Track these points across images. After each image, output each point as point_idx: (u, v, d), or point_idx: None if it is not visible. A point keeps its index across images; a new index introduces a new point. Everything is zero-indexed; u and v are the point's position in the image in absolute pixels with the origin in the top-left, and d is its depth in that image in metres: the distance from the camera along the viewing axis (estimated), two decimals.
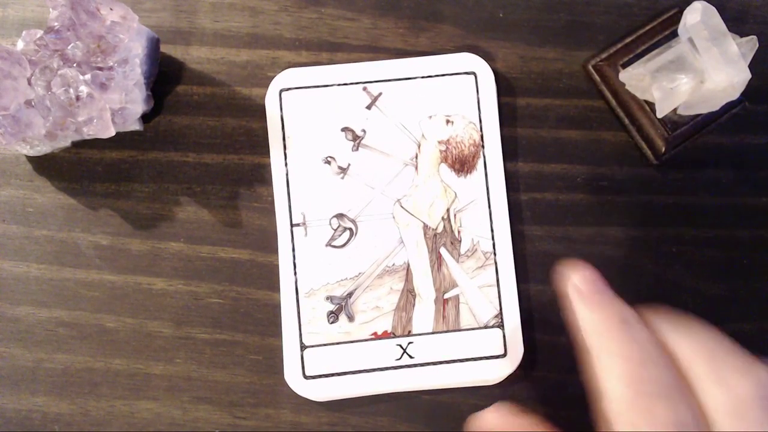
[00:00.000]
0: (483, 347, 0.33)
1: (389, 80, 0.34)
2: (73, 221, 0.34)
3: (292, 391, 0.32)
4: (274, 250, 0.33)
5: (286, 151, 0.34)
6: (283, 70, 0.34)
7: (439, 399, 0.33)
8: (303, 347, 0.33)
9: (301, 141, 0.34)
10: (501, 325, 0.33)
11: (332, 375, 0.32)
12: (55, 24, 0.31)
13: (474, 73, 0.35)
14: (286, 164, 0.34)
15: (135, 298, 0.33)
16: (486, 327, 0.33)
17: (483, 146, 0.34)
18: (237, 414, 0.33)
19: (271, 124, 0.34)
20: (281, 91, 0.34)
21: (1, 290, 0.34)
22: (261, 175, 0.34)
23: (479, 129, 0.34)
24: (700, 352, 0.25)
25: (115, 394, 0.33)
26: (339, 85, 0.34)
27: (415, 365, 0.33)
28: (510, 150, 0.35)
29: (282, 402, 0.33)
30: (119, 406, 0.33)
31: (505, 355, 0.33)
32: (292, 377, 0.32)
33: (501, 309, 0.33)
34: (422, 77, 0.34)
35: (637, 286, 0.34)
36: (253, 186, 0.34)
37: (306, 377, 0.32)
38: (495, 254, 0.34)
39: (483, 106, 0.34)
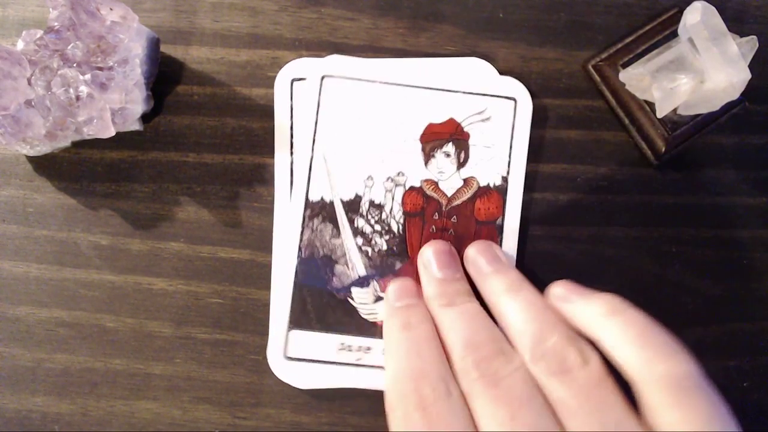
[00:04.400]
0: None
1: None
2: (73, 221, 0.34)
3: (291, 389, 0.32)
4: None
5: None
6: (281, 69, 0.34)
7: None
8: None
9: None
10: None
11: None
12: (55, 24, 0.31)
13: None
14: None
15: (135, 298, 0.33)
16: None
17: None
18: (237, 414, 0.33)
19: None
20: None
21: (1, 290, 0.34)
22: (261, 175, 0.34)
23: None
24: (627, 334, 0.26)
25: (115, 394, 0.33)
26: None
27: None
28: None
29: (282, 402, 0.33)
30: (119, 406, 0.33)
31: None
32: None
33: None
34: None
35: (637, 286, 0.34)
36: (253, 186, 0.34)
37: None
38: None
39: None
